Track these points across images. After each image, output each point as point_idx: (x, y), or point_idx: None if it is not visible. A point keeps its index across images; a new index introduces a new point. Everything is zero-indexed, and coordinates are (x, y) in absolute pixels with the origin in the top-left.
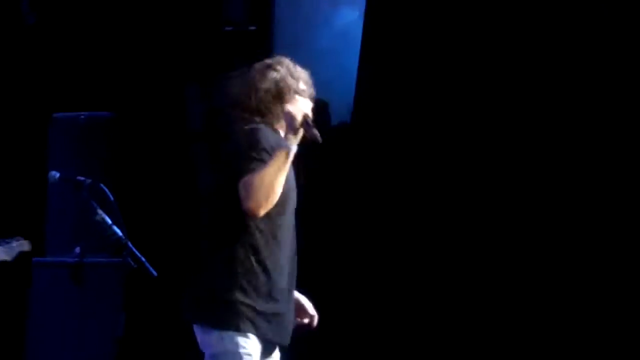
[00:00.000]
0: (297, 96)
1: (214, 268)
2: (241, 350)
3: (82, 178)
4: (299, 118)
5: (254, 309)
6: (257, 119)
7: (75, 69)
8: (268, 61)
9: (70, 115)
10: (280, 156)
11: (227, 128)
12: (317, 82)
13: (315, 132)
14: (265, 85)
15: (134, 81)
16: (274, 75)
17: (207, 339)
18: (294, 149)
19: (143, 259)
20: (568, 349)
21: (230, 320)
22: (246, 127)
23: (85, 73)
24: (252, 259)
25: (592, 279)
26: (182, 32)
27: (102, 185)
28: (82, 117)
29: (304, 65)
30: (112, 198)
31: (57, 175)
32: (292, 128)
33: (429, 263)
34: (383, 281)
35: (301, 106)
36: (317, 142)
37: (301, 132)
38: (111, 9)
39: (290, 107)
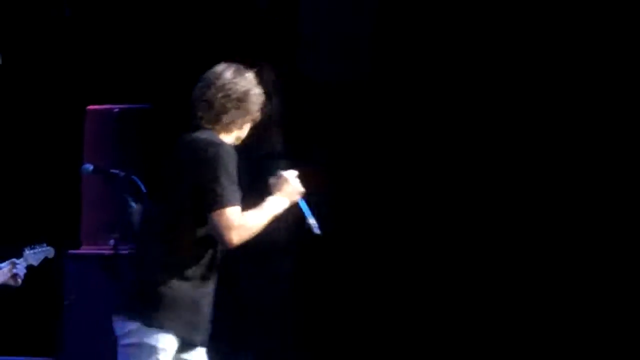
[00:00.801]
0: (247, 116)
1: (156, 266)
2: (159, 345)
3: (116, 171)
4: (298, 194)
5: (179, 311)
6: (209, 125)
7: (110, 61)
8: (238, 67)
9: (105, 108)
10: (274, 208)
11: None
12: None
13: (314, 222)
14: (233, 89)
15: (169, 73)
16: (243, 83)
17: (127, 328)
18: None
19: None
20: (569, 349)
21: (157, 316)
22: (206, 139)
23: (120, 65)
24: (194, 266)
25: (592, 279)
26: (217, 23)
27: (135, 177)
28: (116, 109)
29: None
30: (145, 190)
31: (91, 167)
32: (287, 196)
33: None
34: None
35: (296, 185)
36: (313, 233)
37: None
38: (146, 1)
39: (290, 177)
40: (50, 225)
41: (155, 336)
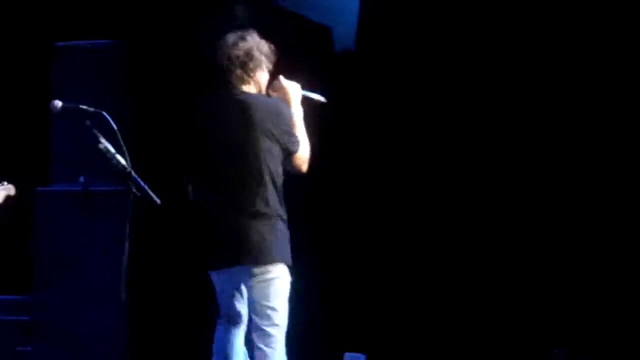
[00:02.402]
0: (258, 70)
1: (273, 216)
2: (287, 276)
3: (85, 107)
4: (299, 92)
5: (286, 244)
6: (244, 86)
7: None
8: (239, 33)
9: (73, 44)
10: (300, 116)
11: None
12: (320, 7)
13: (316, 96)
14: (259, 54)
15: (141, 7)
16: (244, 46)
17: (280, 275)
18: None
19: (146, 187)
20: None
21: (276, 255)
22: (256, 98)
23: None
24: (283, 204)
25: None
26: None
27: (105, 113)
28: (85, 44)
29: None
30: (115, 127)
31: (60, 104)
32: (296, 98)
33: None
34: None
35: (288, 81)
36: (324, 102)
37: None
38: None
39: (286, 83)
40: (20, 163)
41: (283, 270)
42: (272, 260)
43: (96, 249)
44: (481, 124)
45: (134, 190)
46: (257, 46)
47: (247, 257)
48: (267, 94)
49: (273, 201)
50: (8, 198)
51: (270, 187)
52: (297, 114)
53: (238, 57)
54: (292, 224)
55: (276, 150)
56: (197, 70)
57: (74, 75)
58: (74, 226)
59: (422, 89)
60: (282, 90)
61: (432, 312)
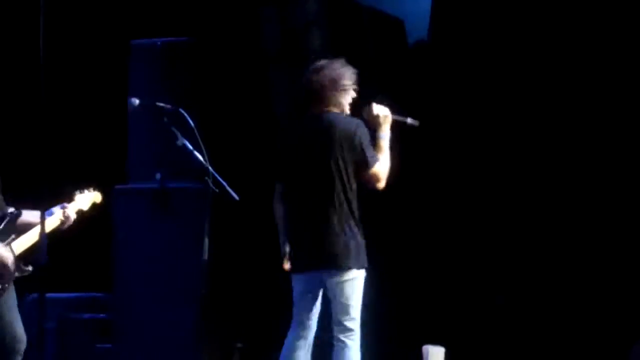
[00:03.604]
0: (347, 93)
1: (350, 225)
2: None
3: (162, 104)
4: (389, 118)
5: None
6: (328, 108)
7: None
8: (328, 61)
9: (148, 42)
10: (387, 141)
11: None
12: None
13: (407, 120)
14: (342, 80)
15: (211, 5)
16: (348, 74)
17: (357, 277)
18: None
19: (225, 183)
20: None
21: (359, 260)
22: (341, 119)
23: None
24: (358, 214)
25: None
26: None
27: (182, 110)
28: (160, 43)
29: None
30: (192, 124)
31: (137, 101)
32: (385, 123)
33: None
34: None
35: (379, 106)
36: (415, 126)
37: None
38: None
39: (376, 109)
40: (98, 161)
41: (361, 272)
42: (353, 266)
43: (173, 245)
44: (556, 118)
45: (212, 186)
46: (339, 73)
47: (333, 263)
48: (362, 118)
49: (350, 211)
50: (95, 205)
51: (347, 199)
52: (385, 138)
53: (320, 83)
54: (377, 225)
55: (352, 166)
56: (263, 62)
57: (150, 73)
58: (151, 223)
59: (496, 83)
60: (373, 115)
61: (510, 305)
